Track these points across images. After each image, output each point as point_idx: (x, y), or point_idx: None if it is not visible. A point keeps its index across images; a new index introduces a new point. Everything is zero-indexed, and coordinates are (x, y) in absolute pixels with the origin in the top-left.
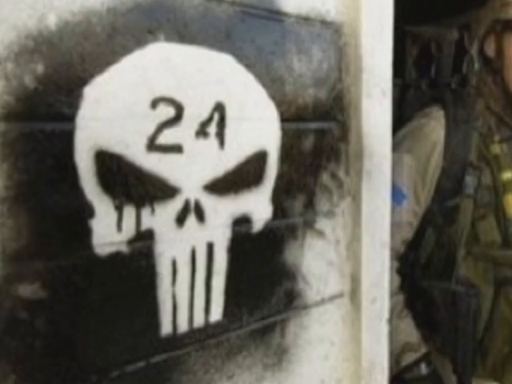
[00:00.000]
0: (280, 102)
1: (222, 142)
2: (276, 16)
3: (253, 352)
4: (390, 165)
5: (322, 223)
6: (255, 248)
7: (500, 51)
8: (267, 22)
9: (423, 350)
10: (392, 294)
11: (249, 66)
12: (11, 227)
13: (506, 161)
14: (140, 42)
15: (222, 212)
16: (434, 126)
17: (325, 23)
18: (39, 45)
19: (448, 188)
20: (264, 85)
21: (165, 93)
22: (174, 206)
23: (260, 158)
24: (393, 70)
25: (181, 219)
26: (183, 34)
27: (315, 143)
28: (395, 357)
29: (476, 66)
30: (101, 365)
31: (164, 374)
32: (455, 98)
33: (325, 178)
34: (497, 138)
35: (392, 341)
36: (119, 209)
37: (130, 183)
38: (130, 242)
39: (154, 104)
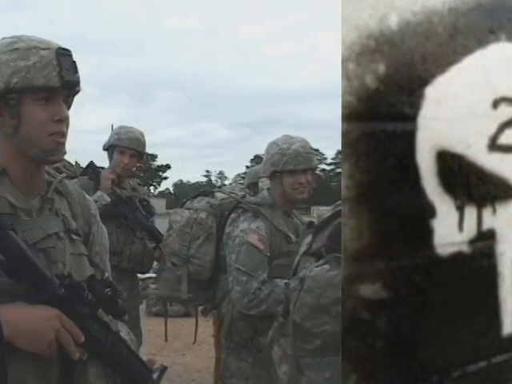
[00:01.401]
0: None
1: None
2: None
3: None
4: None
5: None
6: None
7: None
8: None
9: None
10: None
11: None
12: (352, 227)
13: None
14: (481, 42)
15: None
16: None
17: None
18: (380, 45)
19: None
20: None
21: (506, 93)
22: None
23: None
24: None
25: None
26: None
27: None
28: None
29: None
30: (442, 365)
31: (505, 374)
32: None
33: None
34: None
35: None
36: (460, 209)
37: (471, 183)
38: (471, 242)
39: (496, 104)
